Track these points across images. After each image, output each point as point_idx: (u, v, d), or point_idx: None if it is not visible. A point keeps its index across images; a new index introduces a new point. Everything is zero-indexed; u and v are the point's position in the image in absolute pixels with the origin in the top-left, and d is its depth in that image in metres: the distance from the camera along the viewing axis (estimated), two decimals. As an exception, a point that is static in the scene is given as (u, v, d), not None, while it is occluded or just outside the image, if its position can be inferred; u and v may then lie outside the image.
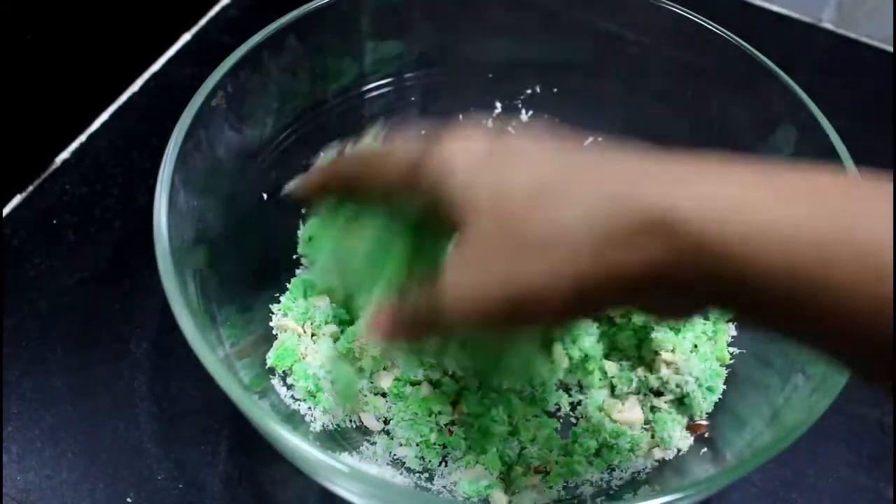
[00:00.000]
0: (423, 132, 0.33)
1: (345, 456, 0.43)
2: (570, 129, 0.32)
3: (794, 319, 0.26)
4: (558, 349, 0.47)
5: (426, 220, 0.33)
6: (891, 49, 0.69)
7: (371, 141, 0.38)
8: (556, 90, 0.54)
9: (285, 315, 0.48)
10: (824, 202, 0.24)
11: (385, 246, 0.36)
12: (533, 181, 0.28)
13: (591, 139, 0.55)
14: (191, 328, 0.34)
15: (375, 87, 0.52)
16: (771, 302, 0.25)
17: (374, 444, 0.44)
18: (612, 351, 0.48)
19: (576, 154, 0.30)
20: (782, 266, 0.24)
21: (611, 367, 0.47)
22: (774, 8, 0.72)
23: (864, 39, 0.70)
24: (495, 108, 0.55)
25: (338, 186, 0.37)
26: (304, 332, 0.47)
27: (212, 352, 0.34)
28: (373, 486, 0.33)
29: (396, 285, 0.36)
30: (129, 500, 0.44)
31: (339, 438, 0.44)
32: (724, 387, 0.46)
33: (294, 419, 0.44)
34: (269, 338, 0.47)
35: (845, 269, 0.23)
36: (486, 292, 0.29)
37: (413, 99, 0.54)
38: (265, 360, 0.46)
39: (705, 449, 0.44)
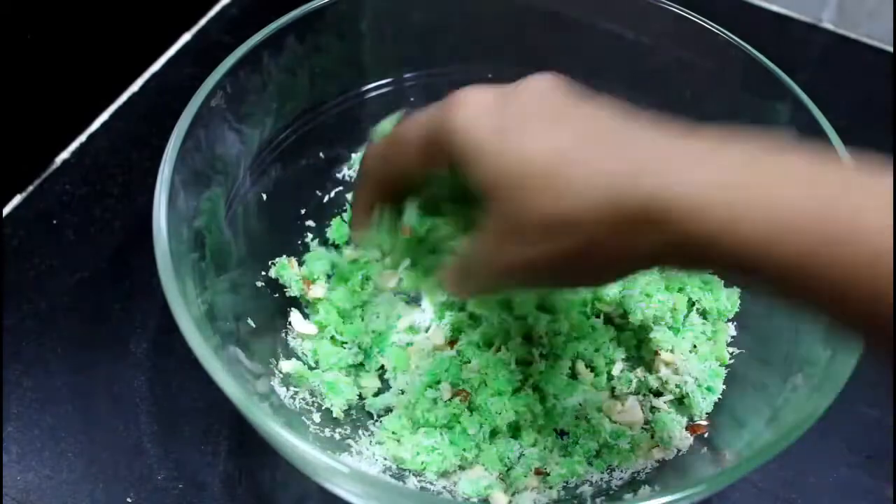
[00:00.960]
0: (428, 108, 0.34)
1: (345, 456, 0.43)
2: (577, 84, 0.33)
3: (784, 292, 0.28)
4: (582, 368, 0.47)
5: (459, 187, 0.35)
6: (891, 49, 0.69)
7: (388, 126, 0.39)
8: (556, 90, 0.54)
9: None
10: (813, 187, 0.26)
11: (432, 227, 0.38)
12: (542, 158, 0.30)
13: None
14: (190, 328, 0.34)
15: (375, 87, 0.52)
16: (763, 280, 0.28)
17: (374, 444, 0.44)
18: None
19: (584, 125, 0.31)
20: (771, 251, 0.26)
21: (615, 367, 0.47)
22: (774, 8, 0.72)
23: (864, 39, 0.70)
24: (495, 108, 0.55)
25: (378, 199, 0.38)
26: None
27: (212, 352, 0.34)
28: (373, 487, 0.33)
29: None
30: (129, 500, 0.44)
31: (339, 439, 0.44)
32: (724, 387, 0.46)
33: (294, 420, 0.44)
34: (269, 337, 0.47)
35: (829, 250, 0.25)
36: (502, 264, 0.32)
37: (413, 99, 0.54)
38: (266, 359, 0.46)
39: (705, 449, 0.44)
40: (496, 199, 0.31)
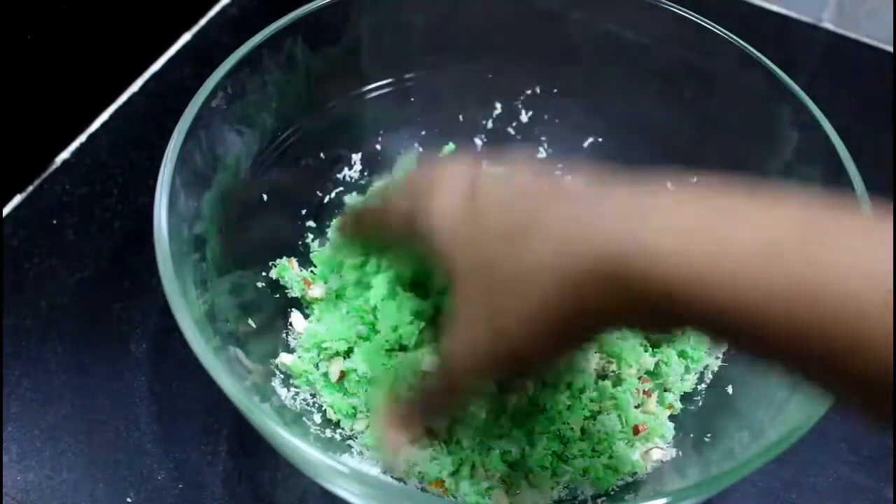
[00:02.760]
0: (416, 174, 0.34)
1: (345, 457, 0.43)
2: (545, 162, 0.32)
3: (759, 349, 0.26)
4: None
5: (431, 271, 0.35)
6: (891, 49, 0.69)
7: (409, 162, 0.39)
8: (556, 90, 0.54)
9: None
10: (776, 248, 0.24)
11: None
12: (502, 226, 0.29)
13: (590, 139, 0.55)
14: (191, 328, 0.34)
15: (375, 87, 0.52)
16: (734, 336, 0.26)
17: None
18: None
19: (542, 192, 0.30)
20: (737, 309, 0.24)
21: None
22: (774, 8, 0.72)
23: (864, 39, 0.70)
24: (495, 108, 0.55)
25: (360, 236, 0.39)
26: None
27: (212, 353, 0.34)
28: (373, 487, 0.33)
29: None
30: (129, 500, 0.44)
31: (339, 440, 0.44)
32: (730, 388, 0.46)
33: (294, 420, 0.44)
34: (270, 338, 0.47)
35: (788, 306, 0.24)
36: (476, 346, 0.30)
37: (413, 99, 0.54)
38: (266, 360, 0.46)
39: (705, 449, 0.44)
40: (459, 275, 0.30)
